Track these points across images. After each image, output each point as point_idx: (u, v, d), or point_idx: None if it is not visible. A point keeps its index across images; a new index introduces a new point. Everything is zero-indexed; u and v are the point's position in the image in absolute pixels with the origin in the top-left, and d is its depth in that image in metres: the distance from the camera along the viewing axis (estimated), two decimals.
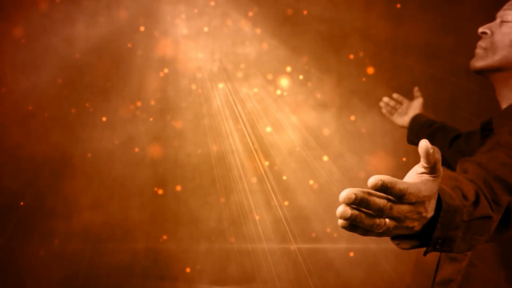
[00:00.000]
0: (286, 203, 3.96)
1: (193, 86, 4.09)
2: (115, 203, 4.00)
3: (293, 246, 3.92)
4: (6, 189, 3.89)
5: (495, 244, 1.67)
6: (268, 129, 4.02)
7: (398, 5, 3.88)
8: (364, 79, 3.93)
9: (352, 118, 3.96)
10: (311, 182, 4.00)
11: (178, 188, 4.07)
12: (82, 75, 4.03)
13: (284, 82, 4.06)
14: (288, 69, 4.05)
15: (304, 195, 4.00)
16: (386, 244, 3.71)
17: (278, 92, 4.05)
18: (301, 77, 4.04)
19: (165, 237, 4.06)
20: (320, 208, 3.95)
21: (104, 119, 4.03)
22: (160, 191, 4.09)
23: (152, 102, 4.08)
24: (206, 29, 4.06)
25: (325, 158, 3.96)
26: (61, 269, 3.93)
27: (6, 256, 3.94)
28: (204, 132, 4.06)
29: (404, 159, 3.85)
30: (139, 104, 4.08)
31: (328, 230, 3.94)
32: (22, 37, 3.92)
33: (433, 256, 1.73)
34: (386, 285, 3.81)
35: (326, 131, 4.01)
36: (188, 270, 4.02)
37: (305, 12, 3.97)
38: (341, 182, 3.93)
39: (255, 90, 4.07)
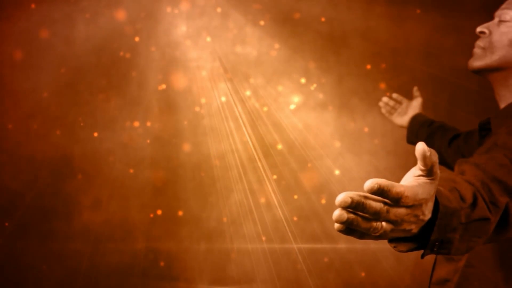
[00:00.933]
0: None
1: (193, 86, 4.09)
2: (115, 203, 4.00)
3: (293, 246, 3.92)
4: (6, 189, 3.89)
5: (493, 244, 1.67)
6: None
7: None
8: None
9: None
10: (311, 182, 4.00)
11: (178, 187, 4.08)
12: (82, 75, 4.03)
13: (284, 82, 4.06)
14: (288, 69, 4.05)
15: (304, 195, 4.00)
16: (386, 244, 3.68)
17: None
18: (303, 80, 4.04)
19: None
20: (320, 208, 3.95)
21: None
22: (160, 191, 4.09)
23: (152, 102, 4.08)
24: (206, 29, 4.06)
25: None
26: (61, 269, 3.94)
27: (6, 256, 3.94)
28: (204, 132, 4.06)
29: (399, 157, 3.85)
30: (139, 104, 4.07)
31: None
32: (22, 37, 3.91)
33: (433, 256, 1.72)
34: (386, 285, 3.81)
35: (326, 131, 4.01)
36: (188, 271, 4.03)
37: (304, 13, 3.97)
38: (341, 182, 3.93)
39: (255, 90, 4.07)
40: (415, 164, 1.01)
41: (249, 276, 3.97)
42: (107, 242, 4.01)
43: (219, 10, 4.05)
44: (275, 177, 4.03)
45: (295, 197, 4.00)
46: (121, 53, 4.05)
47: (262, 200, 4.00)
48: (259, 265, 3.95)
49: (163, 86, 4.08)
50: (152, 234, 4.06)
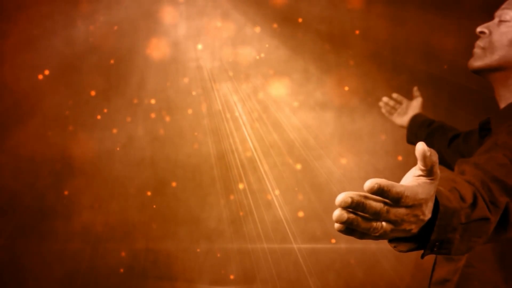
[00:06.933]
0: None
1: (193, 86, 4.09)
2: (115, 203, 4.00)
3: (293, 246, 3.92)
4: (6, 189, 3.89)
5: (493, 244, 1.67)
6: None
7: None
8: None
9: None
10: (311, 182, 4.00)
11: (178, 187, 4.08)
12: (82, 75, 4.03)
13: (284, 82, 4.06)
14: (289, 69, 4.04)
15: (304, 195, 4.00)
16: (386, 244, 3.69)
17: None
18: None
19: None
20: (320, 208, 3.95)
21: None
22: (160, 191, 4.09)
23: (152, 102, 4.08)
24: (206, 29, 4.06)
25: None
26: (61, 269, 3.94)
27: (6, 256, 3.94)
28: (204, 132, 4.06)
29: (400, 158, 3.85)
30: (139, 104, 4.08)
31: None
32: (22, 37, 3.91)
33: (433, 256, 1.72)
34: (386, 285, 3.81)
35: (326, 131, 4.00)
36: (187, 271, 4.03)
37: (304, 14, 3.97)
38: (340, 182, 3.93)
39: (255, 90, 4.07)
40: (415, 164, 1.01)
41: (249, 276, 3.97)
42: (107, 243, 4.01)
43: (219, 10, 4.05)
44: (275, 176, 4.03)
45: (295, 197, 4.00)
46: (121, 53, 4.05)
47: (262, 200, 4.00)
48: (259, 265, 3.95)
49: (163, 86, 4.08)
50: (152, 234, 4.06)
